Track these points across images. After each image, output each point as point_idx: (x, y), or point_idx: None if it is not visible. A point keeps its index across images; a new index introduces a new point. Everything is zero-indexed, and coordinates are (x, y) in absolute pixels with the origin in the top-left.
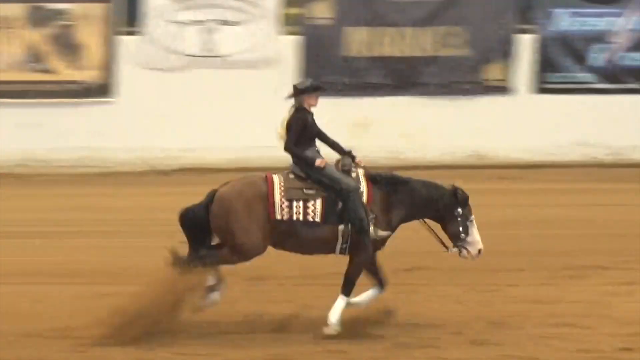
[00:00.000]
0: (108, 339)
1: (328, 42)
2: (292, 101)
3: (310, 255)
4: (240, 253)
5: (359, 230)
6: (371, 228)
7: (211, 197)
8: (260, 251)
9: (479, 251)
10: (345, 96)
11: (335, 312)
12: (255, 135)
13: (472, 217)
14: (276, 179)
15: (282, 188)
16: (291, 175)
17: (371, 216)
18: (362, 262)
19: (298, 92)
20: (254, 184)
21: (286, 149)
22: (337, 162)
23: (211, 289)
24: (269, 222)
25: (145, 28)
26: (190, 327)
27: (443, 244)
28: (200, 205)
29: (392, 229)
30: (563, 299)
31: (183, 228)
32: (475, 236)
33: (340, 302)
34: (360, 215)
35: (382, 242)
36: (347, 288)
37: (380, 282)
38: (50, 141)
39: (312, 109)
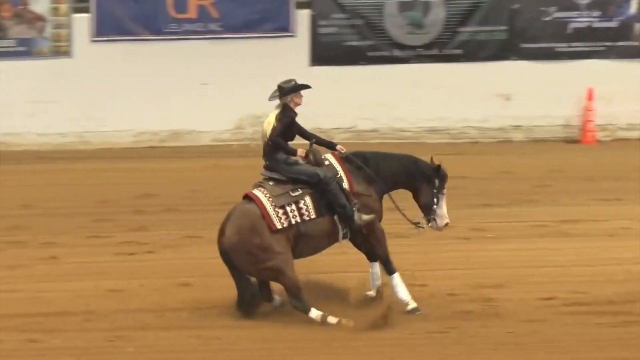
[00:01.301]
0: None
1: None
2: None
3: (320, 252)
4: (283, 267)
5: (344, 218)
6: (355, 214)
7: (224, 254)
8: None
9: (446, 224)
10: None
11: (402, 291)
12: None
13: (445, 191)
14: (259, 193)
15: (270, 198)
16: (271, 182)
17: (354, 202)
18: (377, 233)
19: (284, 92)
20: (243, 210)
21: (272, 139)
22: (307, 154)
23: None
24: (273, 234)
25: None
26: None
27: (412, 222)
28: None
29: (379, 197)
30: None
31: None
32: (444, 209)
33: (395, 279)
34: (341, 202)
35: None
36: (388, 266)
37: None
38: None
39: (297, 108)
